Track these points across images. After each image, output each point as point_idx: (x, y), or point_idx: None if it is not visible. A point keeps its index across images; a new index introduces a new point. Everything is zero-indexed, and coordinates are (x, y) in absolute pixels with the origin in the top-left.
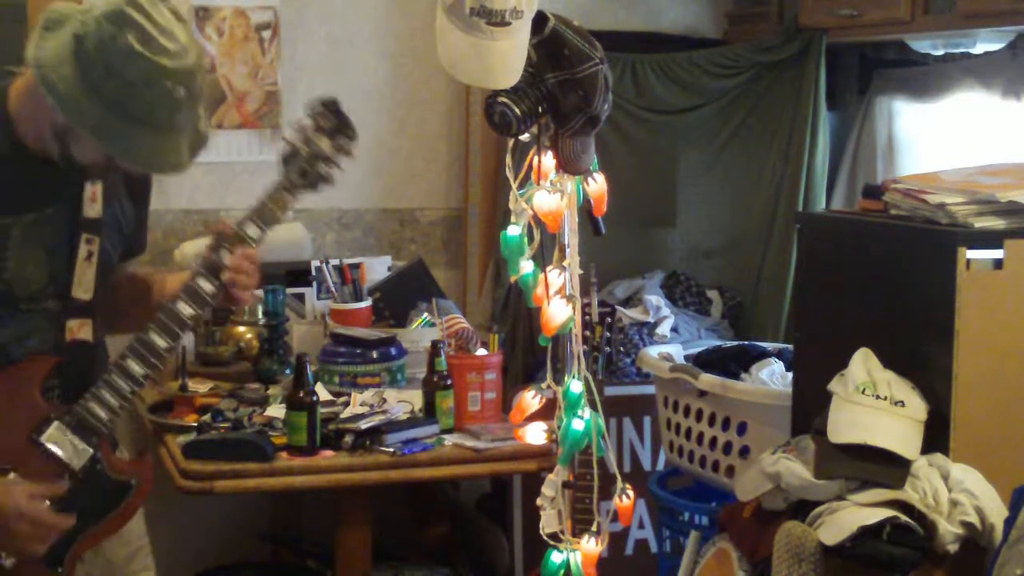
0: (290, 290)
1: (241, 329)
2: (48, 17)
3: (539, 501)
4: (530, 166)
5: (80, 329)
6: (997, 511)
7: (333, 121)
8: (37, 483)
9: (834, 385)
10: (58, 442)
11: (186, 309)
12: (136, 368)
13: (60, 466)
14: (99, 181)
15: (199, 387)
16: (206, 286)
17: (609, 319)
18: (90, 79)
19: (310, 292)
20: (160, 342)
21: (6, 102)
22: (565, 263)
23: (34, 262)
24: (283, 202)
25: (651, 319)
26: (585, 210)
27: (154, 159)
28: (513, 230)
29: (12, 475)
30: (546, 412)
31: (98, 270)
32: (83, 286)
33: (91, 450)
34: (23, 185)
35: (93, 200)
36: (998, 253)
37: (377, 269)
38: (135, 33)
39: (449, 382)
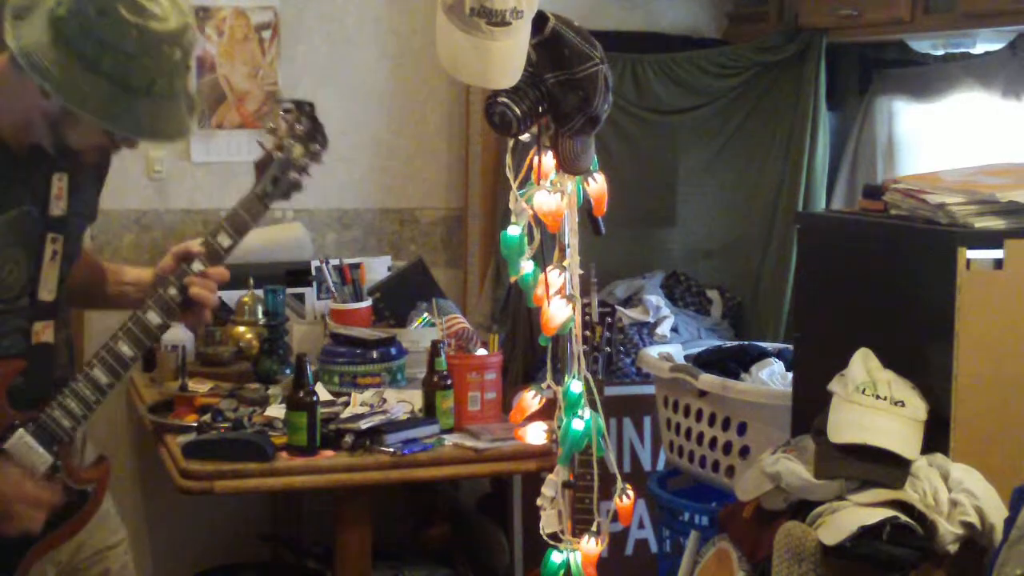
0: (290, 290)
1: (241, 329)
2: (16, 4)
3: (539, 501)
4: (530, 166)
5: (44, 331)
6: (997, 511)
7: (307, 126)
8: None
9: (834, 385)
10: (20, 450)
11: (155, 319)
12: (102, 378)
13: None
14: (65, 174)
15: (199, 387)
16: (176, 296)
17: (609, 319)
18: (85, 58)
19: (310, 292)
20: (128, 351)
21: None
22: (565, 263)
23: (13, 261)
24: (256, 211)
25: (651, 319)
26: (585, 210)
27: (162, 129)
28: (513, 230)
29: None
30: (546, 412)
31: (62, 268)
32: (47, 287)
33: (51, 459)
34: (1, 182)
35: (59, 197)
36: (998, 253)
37: (377, 269)
38: (124, 3)
39: (449, 382)
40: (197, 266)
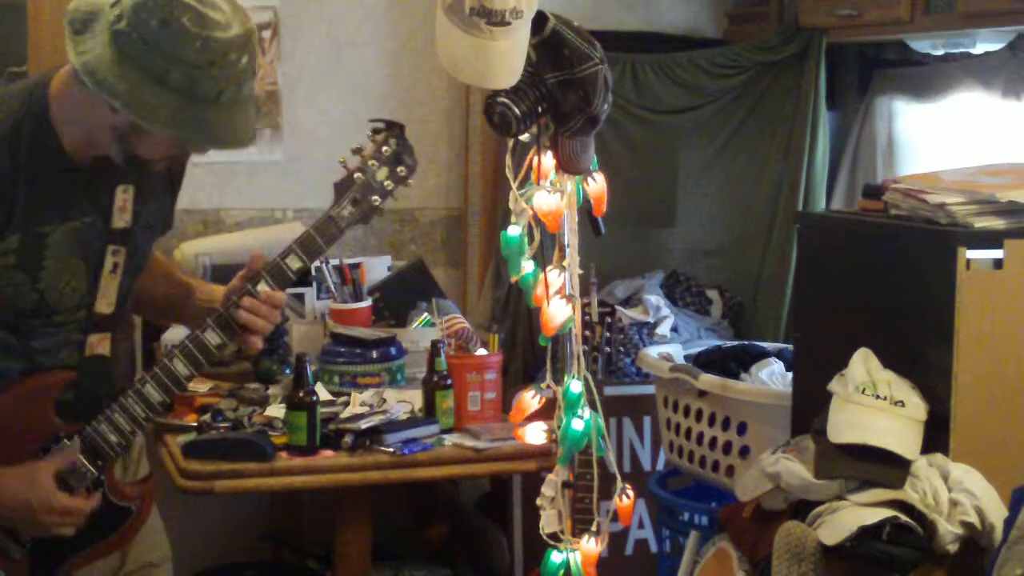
0: (290, 290)
1: None
2: (74, 18)
3: (539, 501)
4: (530, 166)
5: (99, 344)
6: (997, 511)
7: (394, 147)
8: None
9: (834, 385)
10: (64, 463)
11: (213, 338)
12: (154, 395)
13: (64, 487)
14: (131, 186)
15: (199, 387)
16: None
17: (609, 319)
18: (151, 72)
19: (310, 292)
20: (183, 370)
21: (48, 108)
22: (565, 263)
23: (71, 271)
24: (330, 234)
25: (651, 319)
26: (585, 210)
27: (233, 135)
28: (513, 230)
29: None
30: (546, 412)
31: (123, 281)
32: (106, 299)
33: (96, 473)
34: (64, 193)
35: (123, 209)
36: (998, 253)
37: (377, 269)
38: (187, 14)
39: (449, 382)
40: (263, 287)
